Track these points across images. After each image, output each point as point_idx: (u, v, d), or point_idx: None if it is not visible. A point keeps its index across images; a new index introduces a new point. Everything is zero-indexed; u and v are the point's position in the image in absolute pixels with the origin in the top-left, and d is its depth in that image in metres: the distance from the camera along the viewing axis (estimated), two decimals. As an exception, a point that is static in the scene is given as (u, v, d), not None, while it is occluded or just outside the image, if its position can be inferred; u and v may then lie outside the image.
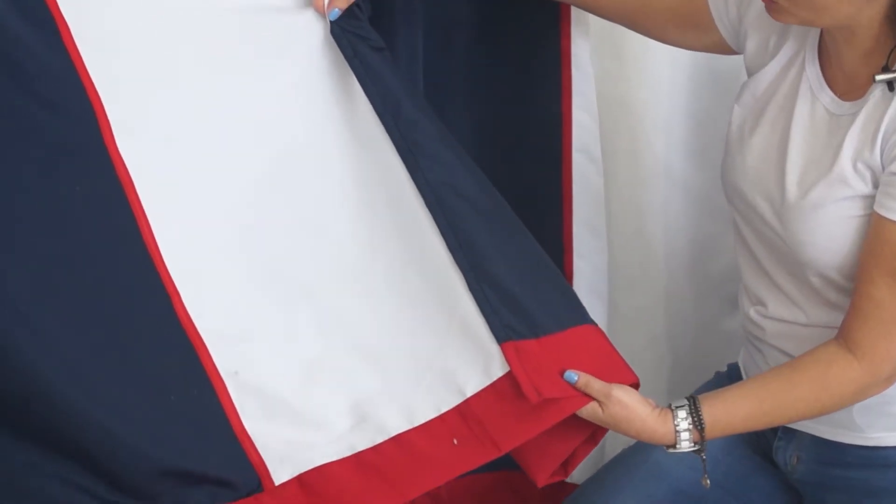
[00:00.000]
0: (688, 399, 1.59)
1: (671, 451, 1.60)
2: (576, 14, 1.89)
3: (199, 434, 1.59)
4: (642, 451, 1.80)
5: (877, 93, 1.55)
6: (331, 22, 1.63)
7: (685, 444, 1.58)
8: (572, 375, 1.56)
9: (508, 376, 1.59)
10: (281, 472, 1.60)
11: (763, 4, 1.58)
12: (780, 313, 1.70)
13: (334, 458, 1.61)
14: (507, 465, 2.01)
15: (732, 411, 1.59)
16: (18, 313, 1.51)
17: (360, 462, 1.61)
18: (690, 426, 1.58)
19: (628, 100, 2.12)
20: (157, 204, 1.59)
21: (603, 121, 1.99)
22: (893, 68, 1.53)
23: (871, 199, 1.55)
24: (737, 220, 1.75)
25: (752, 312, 1.75)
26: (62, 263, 1.55)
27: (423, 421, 1.62)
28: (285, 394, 1.64)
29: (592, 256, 2.01)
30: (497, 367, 1.60)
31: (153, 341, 1.59)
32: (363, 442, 1.62)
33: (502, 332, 1.59)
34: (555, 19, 1.90)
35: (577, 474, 1.97)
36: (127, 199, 1.57)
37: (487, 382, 1.60)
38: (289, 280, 1.68)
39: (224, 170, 1.64)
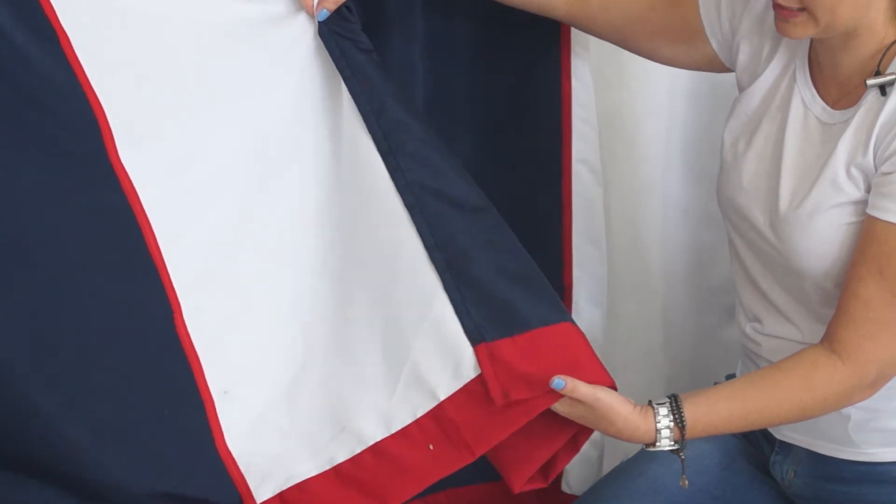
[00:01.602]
0: (669, 397, 1.59)
1: (650, 449, 1.59)
2: (575, 25, 1.90)
3: (184, 454, 1.61)
4: (639, 465, 1.80)
5: (869, 98, 1.55)
6: (319, 22, 1.64)
7: (665, 443, 1.57)
8: (560, 382, 1.55)
9: (480, 378, 1.60)
10: (263, 490, 1.63)
11: (758, 24, 1.57)
12: (776, 330, 1.71)
13: (315, 473, 1.63)
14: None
15: (714, 410, 1.58)
16: (22, 325, 1.53)
17: (339, 475, 1.63)
18: (671, 424, 1.57)
19: (627, 110, 2.12)
20: (163, 215, 1.59)
21: (602, 131, 1.99)
22: (886, 72, 1.53)
23: (863, 205, 1.55)
24: (732, 236, 1.75)
25: (748, 329, 1.76)
26: (68, 275, 1.56)
27: (399, 427, 1.63)
28: (270, 410, 1.66)
29: (592, 266, 2.01)
30: (469, 369, 1.61)
31: (152, 356, 1.60)
32: (342, 453, 1.64)
33: (476, 334, 1.60)
34: (555, 30, 1.90)
35: (575, 487, 1.98)
36: (132, 211, 1.58)
37: (459, 385, 1.61)
38: (277, 293, 1.69)
39: (222, 180, 1.65)
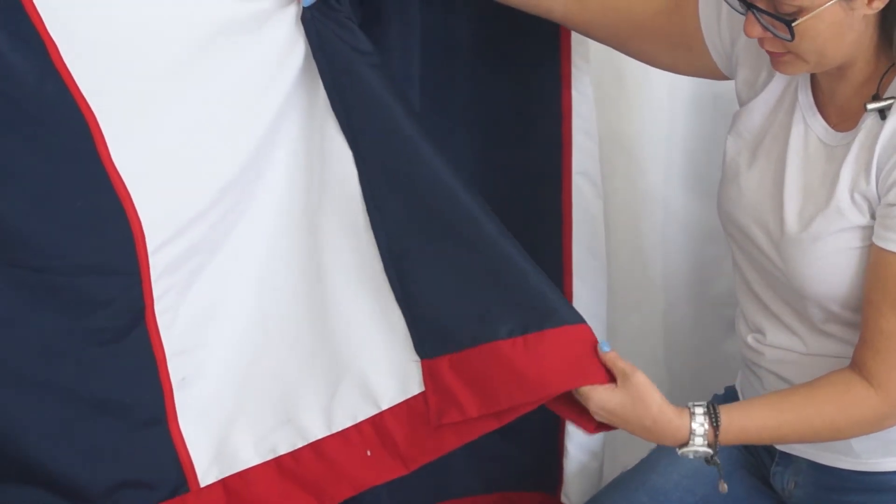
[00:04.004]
0: (707, 402, 1.57)
1: (682, 450, 1.56)
2: (575, 36, 1.89)
3: (139, 438, 1.64)
4: (641, 475, 1.80)
5: (868, 121, 1.55)
6: (304, 8, 1.63)
7: (699, 442, 1.55)
8: (605, 346, 1.56)
9: (423, 395, 1.63)
10: (208, 475, 1.67)
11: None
12: (779, 341, 1.70)
13: (257, 462, 1.68)
14: (505, 486, 2.02)
15: (750, 415, 1.57)
16: (10, 330, 1.55)
17: (280, 467, 1.68)
18: (706, 423, 1.55)
19: (628, 122, 2.13)
20: (153, 216, 1.60)
21: (603, 143, 1.99)
22: (884, 96, 1.53)
23: (869, 230, 1.55)
24: (733, 250, 1.75)
25: (750, 339, 1.75)
26: (54, 273, 1.57)
27: (340, 428, 1.67)
28: (222, 395, 1.70)
29: (592, 278, 2.00)
30: (415, 384, 1.64)
31: (121, 347, 1.62)
32: (284, 445, 1.68)
33: (421, 349, 1.63)
34: (555, 41, 1.89)
35: (575, 498, 1.98)
36: (125, 213, 1.59)
37: (403, 398, 1.65)
38: (242, 285, 1.71)
39: (211, 181, 1.65)
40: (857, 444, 1.66)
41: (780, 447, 1.76)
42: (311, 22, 1.63)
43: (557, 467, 1.98)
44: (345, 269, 1.68)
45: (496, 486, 2.00)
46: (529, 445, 1.98)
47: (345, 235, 1.68)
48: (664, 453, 1.77)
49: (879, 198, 1.53)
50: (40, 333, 1.57)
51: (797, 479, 1.75)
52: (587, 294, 2.01)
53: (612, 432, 1.99)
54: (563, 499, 2.00)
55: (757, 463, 1.82)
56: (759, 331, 1.73)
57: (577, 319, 1.62)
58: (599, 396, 1.55)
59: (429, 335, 1.63)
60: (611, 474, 1.94)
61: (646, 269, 2.20)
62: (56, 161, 1.55)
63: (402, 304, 1.64)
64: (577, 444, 1.97)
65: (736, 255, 1.75)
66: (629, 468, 1.85)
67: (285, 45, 1.65)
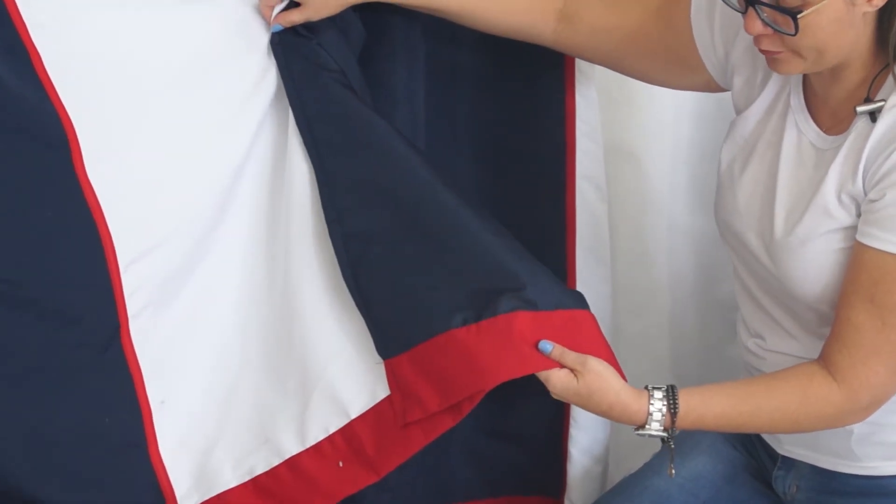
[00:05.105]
0: (666, 385, 1.58)
1: (639, 432, 1.58)
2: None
3: (119, 463, 1.65)
4: (643, 479, 1.80)
5: (859, 124, 1.54)
6: (272, 33, 1.69)
7: (655, 426, 1.57)
8: (547, 346, 1.57)
9: (389, 398, 1.64)
10: (188, 500, 1.68)
11: (753, 46, 1.57)
12: (779, 346, 1.70)
13: (235, 484, 1.69)
14: (508, 490, 2.02)
15: (709, 404, 1.58)
16: None
17: (257, 487, 1.69)
18: (664, 408, 1.56)
19: (633, 127, 2.12)
20: (124, 232, 1.62)
21: (607, 148, 1.99)
22: (875, 99, 1.53)
23: (854, 231, 1.55)
24: (732, 257, 1.75)
25: (751, 344, 1.75)
26: (28, 288, 1.58)
27: (313, 442, 1.68)
28: (202, 419, 1.71)
29: (596, 283, 2.00)
30: (381, 389, 1.65)
31: (97, 368, 1.63)
32: (261, 465, 1.70)
33: (383, 351, 1.64)
34: (559, 46, 1.91)
35: (579, 502, 1.98)
36: (96, 227, 1.60)
37: (371, 404, 1.66)
38: (220, 306, 1.73)
39: (184, 200, 1.67)
40: (858, 448, 1.66)
41: (781, 451, 1.76)
42: (279, 45, 1.69)
43: (561, 472, 1.98)
44: (309, 281, 1.70)
45: (500, 491, 2.00)
46: (533, 450, 1.98)
47: (308, 248, 1.70)
48: (667, 457, 1.76)
49: (865, 195, 1.53)
50: (19, 350, 1.58)
51: (799, 482, 1.75)
52: (591, 298, 1.98)
53: (616, 437, 2.01)
54: (566, 503, 2.01)
55: (759, 466, 1.82)
56: (760, 336, 1.73)
57: (538, 306, 1.61)
58: (558, 381, 1.56)
59: (388, 335, 1.64)
60: (614, 478, 1.94)
61: (651, 273, 2.20)
62: (31, 168, 1.57)
63: (362, 308, 1.66)
64: (581, 448, 1.97)
65: (735, 262, 1.75)
66: (633, 472, 1.84)
67: (259, 72, 1.69)
